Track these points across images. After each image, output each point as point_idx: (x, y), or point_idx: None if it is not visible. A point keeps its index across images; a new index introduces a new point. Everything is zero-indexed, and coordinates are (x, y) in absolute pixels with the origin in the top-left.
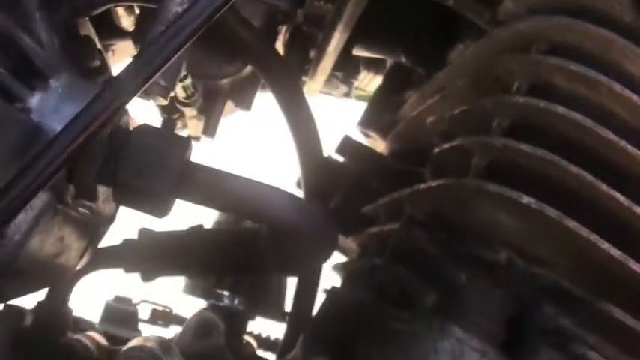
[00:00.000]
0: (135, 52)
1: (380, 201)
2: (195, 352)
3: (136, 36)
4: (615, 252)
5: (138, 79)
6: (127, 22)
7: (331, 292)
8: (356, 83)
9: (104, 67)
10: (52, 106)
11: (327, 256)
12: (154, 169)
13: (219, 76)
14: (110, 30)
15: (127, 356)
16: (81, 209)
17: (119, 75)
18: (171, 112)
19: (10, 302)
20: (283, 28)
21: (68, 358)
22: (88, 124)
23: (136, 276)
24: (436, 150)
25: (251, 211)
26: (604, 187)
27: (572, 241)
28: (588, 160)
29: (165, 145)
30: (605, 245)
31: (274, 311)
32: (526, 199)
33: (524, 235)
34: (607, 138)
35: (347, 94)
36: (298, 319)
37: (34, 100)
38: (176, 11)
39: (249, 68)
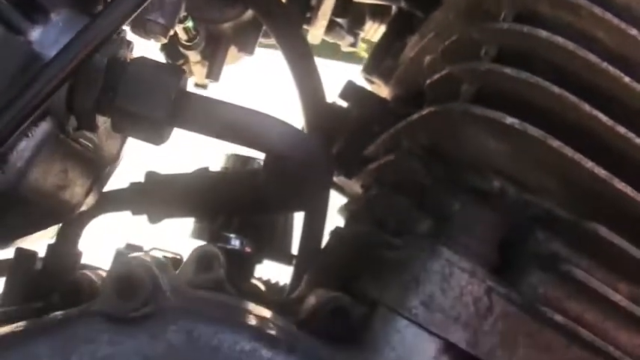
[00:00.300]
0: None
1: (379, 139)
2: (196, 285)
3: None
4: (599, 171)
5: (127, 9)
6: None
7: (335, 231)
8: (362, 34)
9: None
10: (52, 39)
11: (325, 186)
12: (149, 95)
13: (221, 20)
14: None
15: (118, 266)
16: (83, 141)
17: (110, 5)
18: (175, 57)
19: (22, 247)
20: None
21: (72, 293)
22: (79, 50)
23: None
24: (428, 81)
25: (246, 137)
26: (587, 107)
27: (557, 162)
28: (572, 83)
29: (160, 73)
30: (589, 164)
31: (281, 254)
32: (509, 120)
33: (513, 160)
34: (589, 60)
35: (353, 45)
36: (305, 261)
37: (35, 32)
38: None
39: (250, 12)
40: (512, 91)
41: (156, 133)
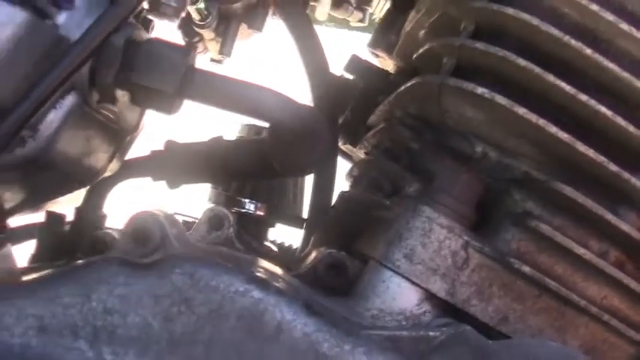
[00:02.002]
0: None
1: (378, 109)
2: (208, 242)
3: None
4: (562, 135)
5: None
6: None
7: (340, 195)
8: (370, 10)
9: None
10: (76, 22)
11: (330, 153)
12: (161, 72)
13: (232, 1)
14: None
15: (134, 219)
16: (105, 113)
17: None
18: (191, 35)
19: (51, 210)
20: None
21: (95, 249)
22: (100, 32)
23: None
24: (415, 55)
25: (246, 108)
26: (551, 77)
27: (525, 127)
28: (539, 56)
29: (171, 52)
30: (553, 129)
31: (292, 217)
32: (480, 90)
33: (489, 126)
34: (552, 34)
35: (361, 21)
36: (313, 224)
37: (61, 17)
38: None
39: None
40: (485, 64)
41: (167, 105)
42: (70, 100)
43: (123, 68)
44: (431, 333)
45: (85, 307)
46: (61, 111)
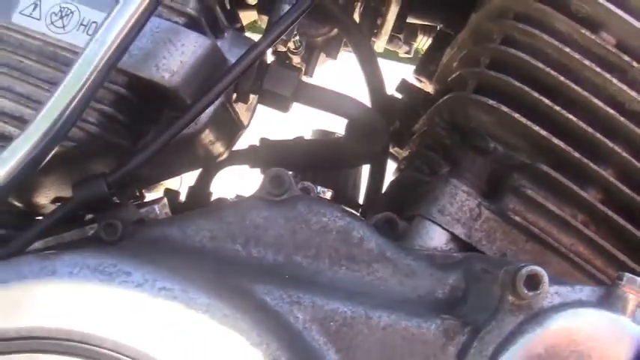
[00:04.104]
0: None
1: (421, 120)
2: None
3: (260, 9)
4: (544, 132)
5: (273, 36)
6: None
7: (391, 181)
8: (415, 44)
9: (242, 28)
10: (226, 48)
11: (384, 150)
12: (282, 82)
13: (316, 35)
14: (238, 3)
15: (271, 171)
16: (235, 111)
17: (265, 36)
18: (285, 59)
19: (169, 187)
20: (358, 4)
21: None
22: (249, 61)
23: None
24: (449, 79)
25: (336, 108)
26: (535, 94)
27: (520, 127)
28: (530, 79)
29: (287, 69)
30: (535, 128)
31: (352, 202)
32: (491, 102)
33: (498, 128)
34: (538, 67)
35: (408, 53)
36: (368, 205)
37: (221, 44)
38: None
39: (335, 30)
40: (496, 85)
41: (284, 106)
42: (220, 100)
43: (256, 80)
44: (454, 254)
45: (241, 223)
46: (214, 106)
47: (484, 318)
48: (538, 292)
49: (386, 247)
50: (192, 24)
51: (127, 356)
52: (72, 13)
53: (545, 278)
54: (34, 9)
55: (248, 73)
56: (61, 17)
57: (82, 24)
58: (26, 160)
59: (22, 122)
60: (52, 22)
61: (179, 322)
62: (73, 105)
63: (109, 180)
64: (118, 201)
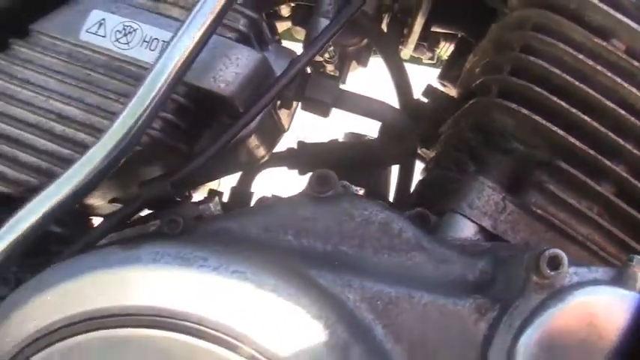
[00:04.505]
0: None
1: (447, 123)
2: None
3: (295, 21)
4: (559, 131)
5: (315, 50)
6: (285, 10)
7: (421, 178)
8: (437, 51)
9: (280, 40)
10: (272, 60)
11: (413, 151)
12: (324, 90)
13: (348, 45)
14: (274, 15)
15: (317, 172)
16: (277, 117)
17: (308, 48)
18: (320, 67)
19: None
20: (386, 15)
21: None
22: (295, 72)
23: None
24: (473, 85)
25: (371, 113)
26: (555, 98)
27: (539, 128)
28: (548, 84)
29: (328, 78)
30: (554, 128)
31: (383, 200)
32: (513, 105)
33: (520, 129)
34: (554, 72)
35: (431, 59)
36: (398, 204)
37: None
38: (329, 5)
39: (366, 40)
40: (516, 90)
41: (325, 111)
42: (268, 109)
43: (299, 87)
44: (482, 243)
45: (292, 217)
46: (262, 113)
47: (512, 296)
48: (559, 271)
49: (422, 237)
50: (243, 39)
51: (209, 327)
52: (134, 30)
53: (565, 260)
54: (99, 27)
55: (292, 85)
56: (125, 34)
57: (144, 40)
58: (103, 165)
59: (92, 130)
60: (117, 39)
61: (251, 300)
62: (145, 114)
63: (172, 180)
64: (178, 199)
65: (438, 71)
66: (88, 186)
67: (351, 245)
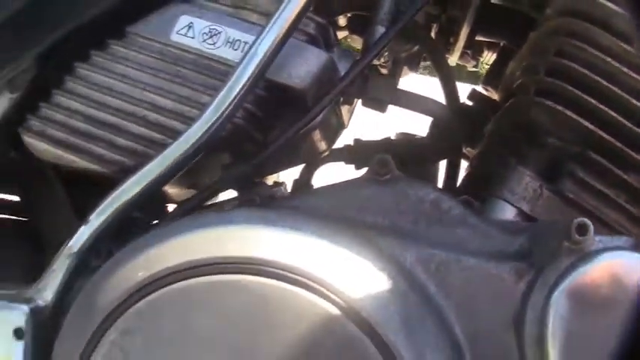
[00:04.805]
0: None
1: (490, 122)
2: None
3: (352, 30)
4: (590, 126)
5: (374, 52)
6: (342, 20)
7: (466, 173)
8: (481, 59)
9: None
10: (336, 60)
11: (459, 148)
12: (385, 89)
13: (400, 51)
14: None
15: (378, 157)
16: (339, 113)
17: (368, 51)
18: (374, 71)
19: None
20: (435, 25)
21: None
22: (357, 72)
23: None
24: (514, 85)
25: (426, 109)
26: (585, 95)
27: (572, 124)
28: (579, 83)
29: (386, 78)
30: (585, 123)
31: None
32: (548, 102)
33: (555, 125)
34: (586, 74)
35: (475, 66)
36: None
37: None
38: (385, 15)
39: (416, 47)
40: (552, 89)
41: (383, 108)
42: (331, 105)
43: (360, 86)
44: (521, 222)
45: (356, 197)
46: (327, 109)
47: (546, 261)
48: (586, 237)
49: (467, 215)
50: (313, 41)
51: (292, 273)
52: (219, 33)
53: (591, 227)
54: (188, 30)
55: (352, 83)
56: (211, 36)
57: (228, 41)
58: (193, 148)
59: (183, 117)
60: (204, 40)
61: (327, 252)
62: (232, 104)
63: (252, 164)
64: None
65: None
66: (181, 166)
67: (407, 221)
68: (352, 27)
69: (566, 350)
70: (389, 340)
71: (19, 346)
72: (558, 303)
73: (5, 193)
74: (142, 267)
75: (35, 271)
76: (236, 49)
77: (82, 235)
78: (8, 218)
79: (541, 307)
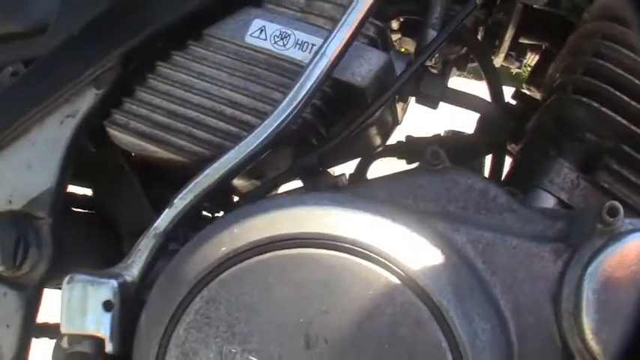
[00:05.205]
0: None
1: (532, 120)
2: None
3: (405, 32)
4: (624, 122)
5: (428, 53)
6: (395, 24)
7: (510, 167)
8: (524, 60)
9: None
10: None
11: (504, 144)
12: (436, 86)
13: (450, 53)
14: None
15: (431, 148)
16: (394, 110)
17: (418, 58)
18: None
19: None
20: (481, 28)
21: None
22: (411, 71)
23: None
24: (554, 85)
25: (474, 106)
26: (618, 93)
27: (608, 120)
28: (615, 82)
29: (438, 78)
30: (618, 118)
31: None
32: (585, 99)
33: (592, 121)
34: (622, 74)
35: (519, 68)
36: None
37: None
38: (436, 19)
39: (464, 49)
40: (589, 88)
41: (434, 104)
42: (388, 102)
43: (414, 84)
44: (560, 209)
45: (411, 185)
46: (384, 106)
47: (581, 241)
48: (617, 219)
49: (512, 202)
50: (373, 43)
51: (360, 247)
52: (289, 35)
53: (621, 209)
54: (260, 32)
55: (406, 82)
56: (282, 39)
57: (297, 43)
58: (267, 139)
59: (256, 112)
60: (275, 42)
61: (389, 229)
62: (303, 100)
63: (318, 154)
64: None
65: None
66: (255, 156)
67: (457, 207)
68: (404, 30)
69: (599, 321)
70: (441, 306)
71: (107, 317)
72: (591, 279)
73: (78, 186)
74: (226, 242)
75: (111, 259)
76: (304, 51)
77: (167, 217)
78: (80, 211)
79: (576, 283)
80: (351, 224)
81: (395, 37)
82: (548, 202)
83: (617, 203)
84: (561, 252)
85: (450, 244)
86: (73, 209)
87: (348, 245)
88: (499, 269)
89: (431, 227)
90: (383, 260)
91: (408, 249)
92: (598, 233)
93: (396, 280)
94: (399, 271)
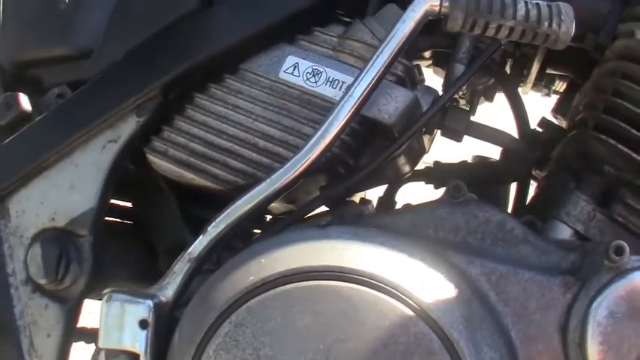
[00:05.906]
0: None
1: (556, 149)
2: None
3: (436, 63)
4: (639, 158)
5: (452, 91)
6: (427, 53)
7: (534, 194)
8: (553, 87)
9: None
10: (419, 96)
11: (528, 171)
12: (458, 120)
13: (478, 84)
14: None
15: (453, 182)
16: (421, 141)
17: (449, 89)
18: (453, 101)
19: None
20: (509, 60)
21: None
22: (437, 107)
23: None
24: (576, 119)
25: (497, 140)
26: (634, 131)
27: (625, 156)
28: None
29: (462, 111)
30: (634, 155)
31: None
32: (603, 136)
33: (611, 156)
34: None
35: (547, 95)
36: (516, 213)
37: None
38: (464, 54)
39: (492, 80)
40: (608, 125)
41: (459, 137)
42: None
43: (439, 118)
44: (576, 241)
45: (432, 216)
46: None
47: (590, 276)
48: (622, 257)
49: (528, 234)
50: (400, 81)
51: (376, 280)
52: (321, 73)
53: (627, 249)
54: (294, 69)
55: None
56: (314, 75)
57: (328, 81)
58: (298, 171)
59: (288, 145)
60: (308, 79)
61: (406, 264)
62: (332, 136)
63: (345, 186)
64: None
65: None
66: (286, 188)
67: (475, 238)
68: (436, 60)
69: (602, 352)
70: (452, 337)
71: (142, 334)
72: (596, 312)
73: (119, 199)
74: (254, 272)
75: (147, 272)
76: (335, 88)
77: (200, 243)
78: (119, 222)
79: (582, 316)
80: (370, 258)
81: (427, 63)
82: (565, 233)
83: (622, 243)
84: (571, 285)
85: (464, 276)
86: (113, 220)
87: (365, 278)
88: (511, 300)
89: (446, 260)
90: (398, 293)
91: (423, 282)
92: (605, 269)
93: (410, 312)
94: (413, 303)
